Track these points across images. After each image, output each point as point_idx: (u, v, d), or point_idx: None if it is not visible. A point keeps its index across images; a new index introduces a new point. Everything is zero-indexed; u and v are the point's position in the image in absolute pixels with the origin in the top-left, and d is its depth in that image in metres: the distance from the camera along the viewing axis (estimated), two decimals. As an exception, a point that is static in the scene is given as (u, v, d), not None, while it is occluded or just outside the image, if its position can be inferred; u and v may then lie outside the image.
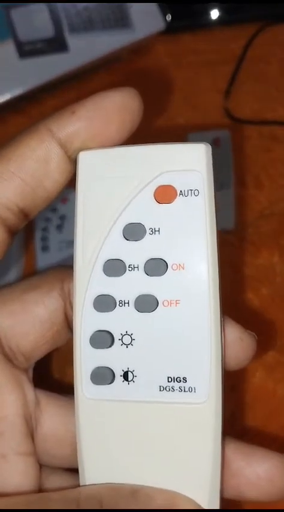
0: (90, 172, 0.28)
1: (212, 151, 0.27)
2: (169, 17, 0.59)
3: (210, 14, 0.60)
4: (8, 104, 0.55)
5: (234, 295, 0.46)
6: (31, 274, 0.50)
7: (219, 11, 0.60)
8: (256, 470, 0.28)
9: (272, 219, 0.49)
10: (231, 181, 0.51)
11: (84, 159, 0.28)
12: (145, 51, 0.60)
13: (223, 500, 0.27)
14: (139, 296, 0.27)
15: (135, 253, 0.27)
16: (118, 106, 0.28)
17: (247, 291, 0.46)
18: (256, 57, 0.58)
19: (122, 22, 0.57)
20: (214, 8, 0.60)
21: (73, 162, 0.28)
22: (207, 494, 0.27)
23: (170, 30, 0.59)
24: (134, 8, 0.58)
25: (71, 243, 0.50)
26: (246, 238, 0.49)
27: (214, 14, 0.60)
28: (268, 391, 0.43)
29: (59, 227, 0.51)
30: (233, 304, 0.46)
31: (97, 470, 0.28)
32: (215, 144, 0.53)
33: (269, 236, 0.48)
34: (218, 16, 0.60)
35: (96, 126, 0.28)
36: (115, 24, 0.57)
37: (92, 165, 0.28)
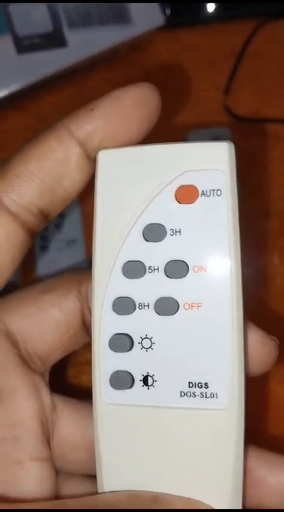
0: (109, 172, 0.27)
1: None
2: (168, 12, 0.58)
3: (209, 10, 0.59)
4: (6, 100, 0.55)
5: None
6: (30, 273, 0.49)
7: (218, 6, 0.59)
8: (280, 479, 0.27)
9: (273, 219, 0.49)
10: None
11: (104, 158, 0.27)
12: (145, 47, 0.59)
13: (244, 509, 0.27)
14: (159, 299, 0.26)
15: (155, 254, 0.27)
16: (136, 102, 0.27)
17: (247, 292, 0.46)
18: (256, 53, 0.58)
19: (121, 17, 0.57)
20: (213, 3, 0.59)
21: (93, 161, 0.28)
22: (228, 502, 0.26)
23: (169, 25, 0.59)
24: (133, 3, 0.57)
25: (70, 243, 0.49)
26: (246, 239, 0.48)
27: (213, 9, 0.59)
28: (269, 392, 0.42)
29: (58, 226, 0.51)
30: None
31: (116, 477, 0.27)
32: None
33: (269, 236, 0.48)
34: (218, 12, 0.59)
35: (115, 123, 0.27)
36: (114, 19, 0.57)
37: (111, 164, 0.27)
